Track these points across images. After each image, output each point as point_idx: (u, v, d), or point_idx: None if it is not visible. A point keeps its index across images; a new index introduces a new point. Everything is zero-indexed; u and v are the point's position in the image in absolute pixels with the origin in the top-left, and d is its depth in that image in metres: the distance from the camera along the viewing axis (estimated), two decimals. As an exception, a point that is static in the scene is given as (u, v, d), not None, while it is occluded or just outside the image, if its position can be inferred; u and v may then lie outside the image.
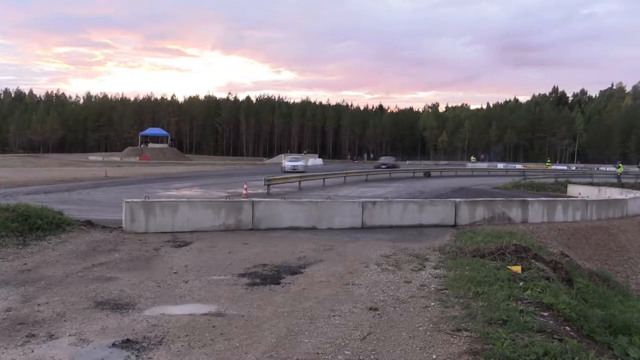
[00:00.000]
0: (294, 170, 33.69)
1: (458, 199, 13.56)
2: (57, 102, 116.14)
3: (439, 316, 5.25)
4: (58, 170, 36.99)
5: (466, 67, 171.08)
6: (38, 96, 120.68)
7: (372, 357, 4.24)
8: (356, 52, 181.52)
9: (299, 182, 23.29)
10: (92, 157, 66.64)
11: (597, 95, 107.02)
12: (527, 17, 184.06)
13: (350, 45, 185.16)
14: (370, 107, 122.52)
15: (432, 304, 5.71)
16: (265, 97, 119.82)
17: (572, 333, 4.88)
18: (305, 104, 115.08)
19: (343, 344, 4.49)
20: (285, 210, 11.29)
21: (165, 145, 75.24)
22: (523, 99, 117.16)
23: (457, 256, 8.27)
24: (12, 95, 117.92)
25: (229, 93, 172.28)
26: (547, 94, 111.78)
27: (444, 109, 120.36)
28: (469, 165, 58.42)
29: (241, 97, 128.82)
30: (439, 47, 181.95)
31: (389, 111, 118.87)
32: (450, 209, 12.83)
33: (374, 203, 12.28)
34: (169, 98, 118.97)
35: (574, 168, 57.70)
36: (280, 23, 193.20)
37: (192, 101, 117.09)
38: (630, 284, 11.18)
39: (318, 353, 4.28)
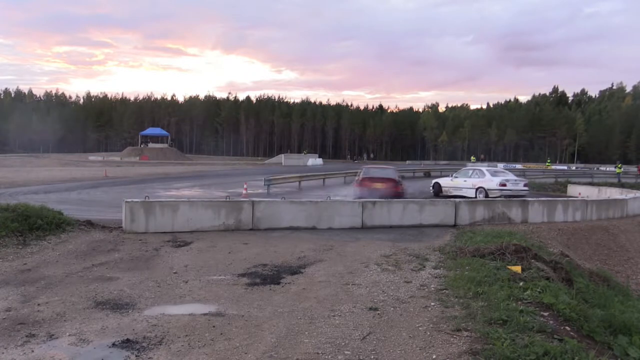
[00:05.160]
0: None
1: (458, 199, 13.55)
2: (57, 102, 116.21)
3: (439, 316, 5.25)
4: (58, 170, 36.98)
5: (468, 67, 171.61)
6: (38, 96, 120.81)
7: (372, 357, 4.24)
8: (357, 51, 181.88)
9: (299, 182, 23.32)
10: (92, 157, 66.68)
11: (597, 95, 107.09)
12: (529, 16, 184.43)
13: (352, 45, 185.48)
14: (370, 107, 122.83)
15: (432, 304, 5.71)
16: (266, 96, 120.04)
17: (572, 333, 4.87)
18: (305, 104, 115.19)
19: (343, 343, 4.50)
20: (285, 210, 11.28)
21: (165, 145, 75.24)
22: (523, 98, 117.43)
23: (457, 256, 8.26)
24: (12, 95, 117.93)
25: (229, 93, 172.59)
26: (548, 93, 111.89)
27: (444, 109, 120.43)
28: (469, 165, 58.44)
29: (241, 96, 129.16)
30: (441, 46, 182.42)
31: (389, 111, 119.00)
32: (450, 209, 12.83)
33: (374, 203, 12.27)
34: (169, 98, 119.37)
35: (574, 168, 57.76)
36: (281, 22, 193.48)
37: (192, 101, 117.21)
38: (630, 284, 11.16)
39: (318, 353, 4.28)
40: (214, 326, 4.87)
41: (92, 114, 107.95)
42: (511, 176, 19.05)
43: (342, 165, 51.32)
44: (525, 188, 18.51)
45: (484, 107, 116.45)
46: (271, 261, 7.83)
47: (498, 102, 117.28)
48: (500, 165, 59.15)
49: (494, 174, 19.05)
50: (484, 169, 20.20)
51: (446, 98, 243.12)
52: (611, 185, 28.56)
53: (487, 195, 17.16)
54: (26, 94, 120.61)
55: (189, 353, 4.22)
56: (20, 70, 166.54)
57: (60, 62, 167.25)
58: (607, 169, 50.88)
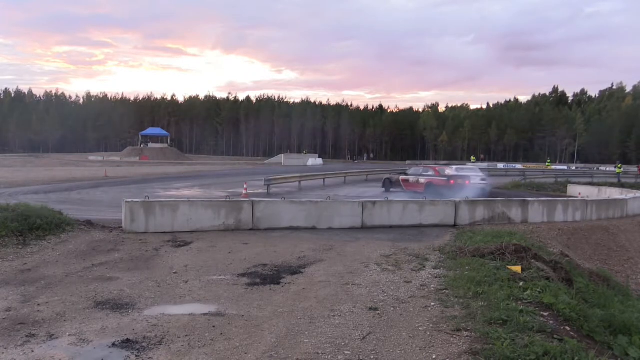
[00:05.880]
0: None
1: (458, 199, 13.56)
2: (57, 102, 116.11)
3: (439, 316, 5.25)
4: (58, 170, 36.98)
5: (468, 67, 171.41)
6: (38, 96, 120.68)
7: (372, 357, 4.24)
8: (357, 51, 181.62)
9: (299, 182, 23.32)
10: (92, 157, 66.61)
11: (597, 95, 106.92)
12: (529, 16, 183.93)
13: (352, 45, 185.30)
14: (370, 107, 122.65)
15: (432, 303, 5.71)
16: (265, 97, 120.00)
17: (572, 333, 4.88)
18: (306, 104, 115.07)
19: (343, 343, 4.50)
20: (285, 210, 11.28)
21: (165, 145, 75.21)
22: (523, 98, 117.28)
23: (457, 256, 8.27)
24: (12, 95, 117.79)
25: (229, 93, 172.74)
26: (548, 93, 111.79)
27: (444, 109, 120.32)
28: (469, 165, 58.42)
29: (241, 97, 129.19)
30: (441, 46, 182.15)
31: (389, 111, 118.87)
32: (450, 209, 12.83)
33: (374, 203, 12.27)
34: (169, 98, 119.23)
35: (574, 168, 57.70)
36: (281, 22, 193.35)
37: (192, 101, 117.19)
38: (630, 284, 11.16)
39: (318, 353, 4.28)
40: (214, 326, 4.87)
41: (92, 114, 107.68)
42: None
43: (342, 166, 51.35)
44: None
45: (484, 107, 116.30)
46: (271, 261, 7.83)
47: (498, 102, 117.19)
48: (500, 165, 59.23)
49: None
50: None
51: (446, 98, 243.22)
52: (611, 185, 28.56)
53: None
54: (26, 94, 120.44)
55: (189, 353, 4.22)
56: (20, 70, 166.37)
57: (60, 62, 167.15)
58: (607, 169, 50.81)
